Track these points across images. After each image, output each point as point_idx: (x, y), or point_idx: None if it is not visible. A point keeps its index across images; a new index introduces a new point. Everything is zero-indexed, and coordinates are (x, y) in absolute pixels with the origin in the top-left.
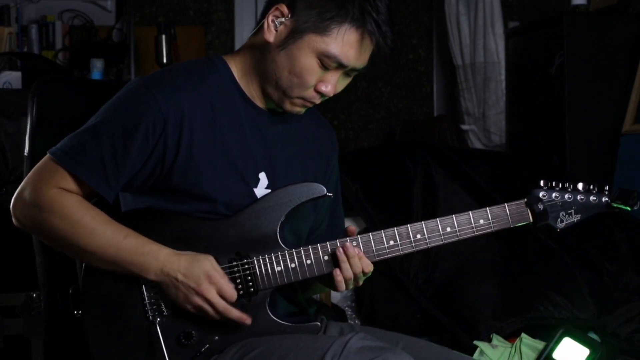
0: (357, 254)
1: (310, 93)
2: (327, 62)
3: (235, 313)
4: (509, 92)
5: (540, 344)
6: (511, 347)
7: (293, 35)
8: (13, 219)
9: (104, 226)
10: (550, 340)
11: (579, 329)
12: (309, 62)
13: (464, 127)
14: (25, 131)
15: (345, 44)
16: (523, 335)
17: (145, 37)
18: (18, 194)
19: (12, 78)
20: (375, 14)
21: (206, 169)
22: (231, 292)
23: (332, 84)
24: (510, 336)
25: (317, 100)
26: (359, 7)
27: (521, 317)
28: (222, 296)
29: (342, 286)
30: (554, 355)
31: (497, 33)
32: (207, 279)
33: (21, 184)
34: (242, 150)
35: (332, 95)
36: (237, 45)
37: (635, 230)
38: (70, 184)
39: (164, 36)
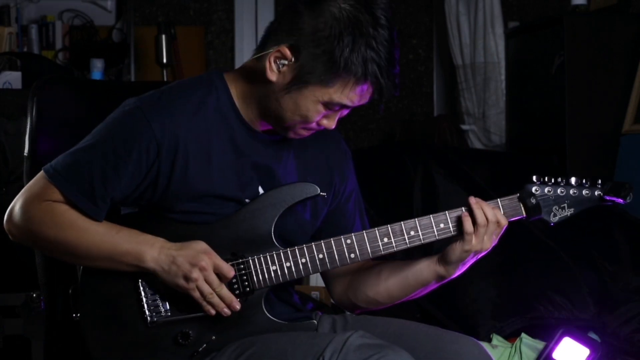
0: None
1: (312, 126)
2: (330, 106)
3: (225, 291)
4: (509, 92)
5: (540, 344)
6: (511, 347)
7: (297, 82)
8: (8, 234)
9: (96, 225)
10: (550, 340)
11: (579, 329)
12: (313, 107)
13: (464, 127)
14: (25, 131)
15: (349, 93)
16: (523, 335)
17: (145, 37)
18: (10, 209)
19: (12, 78)
20: (378, 59)
21: (201, 194)
22: (228, 267)
23: (334, 121)
24: (510, 336)
25: (318, 129)
26: (362, 58)
27: (521, 317)
28: (220, 272)
29: (472, 243)
30: (554, 355)
31: (497, 33)
32: (206, 254)
33: (14, 199)
34: (240, 173)
35: (333, 128)
36: (237, 45)
37: (635, 230)
38: (60, 198)
39: (164, 36)
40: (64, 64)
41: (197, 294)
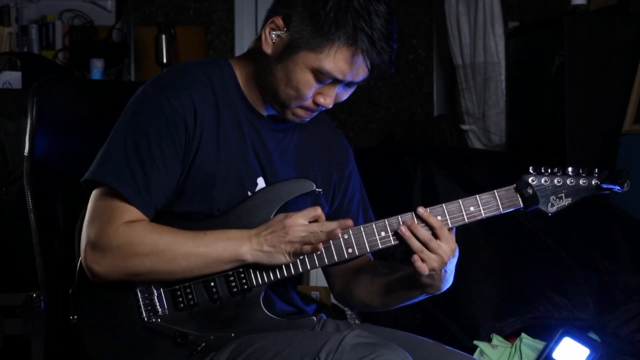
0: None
1: (308, 104)
2: (321, 77)
3: (326, 225)
4: (509, 92)
5: (540, 344)
6: (511, 347)
7: (288, 49)
8: (94, 277)
9: (182, 236)
10: (550, 340)
11: (579, 329)
12: (304, 77)
13: (464, 127)
14: (25, 131)
15: (338, 61)
16: (523, 335)
17: (145, 37)
18: (86, 247)
19: (12, 78)
20: (370, 30)
21: (207, 170)
22: (311, 209)
23: (330, 97)
24: (510, 336)
25: (317, 111)
26: (352, 24)
27: (521, 317)
28: (308, 216)
29: (424, 268)
30: (554, 355)
31: (497, 33)
32: (285, 217)
33: (83, 236)
34: (243, 154)
35: (330, 107)
36: (237, 45)
37: (635, 230)
38: (130, 211)
39: (164, 36)
40: (64, 64)
41: (307, 248)
